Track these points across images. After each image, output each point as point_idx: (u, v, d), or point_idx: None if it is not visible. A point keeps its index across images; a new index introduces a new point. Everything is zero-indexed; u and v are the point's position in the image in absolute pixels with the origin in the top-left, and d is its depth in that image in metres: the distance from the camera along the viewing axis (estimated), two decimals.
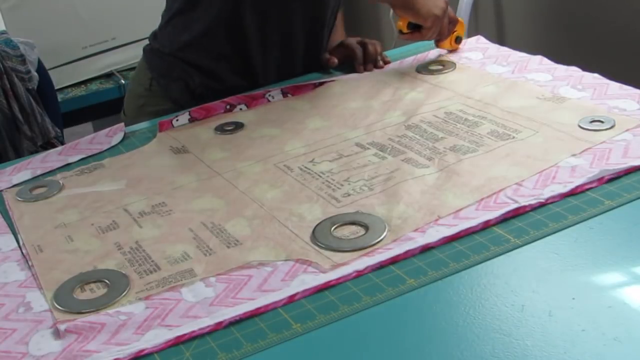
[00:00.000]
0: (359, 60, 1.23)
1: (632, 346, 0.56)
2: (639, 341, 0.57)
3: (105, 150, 1.02)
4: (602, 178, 0.79)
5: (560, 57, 1.15)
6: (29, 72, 1.70)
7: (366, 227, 0.75)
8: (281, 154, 0.94)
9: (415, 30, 1.19)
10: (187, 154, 0.98)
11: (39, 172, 0.97)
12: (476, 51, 1.24)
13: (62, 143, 1.70)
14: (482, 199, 0.78)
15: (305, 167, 0.90)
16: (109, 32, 2.07)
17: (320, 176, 0.87)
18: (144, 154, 1.00)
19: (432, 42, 1.24)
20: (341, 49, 1.28)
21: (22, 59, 1.69)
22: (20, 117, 1.66)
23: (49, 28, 1.97)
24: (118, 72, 2.09)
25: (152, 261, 0.73)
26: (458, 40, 1.24)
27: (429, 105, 1.04)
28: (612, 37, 1.65)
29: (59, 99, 1.90)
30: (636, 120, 0.91)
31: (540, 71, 1.11)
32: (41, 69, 1.76)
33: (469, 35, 1.32)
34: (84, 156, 1.01)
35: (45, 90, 1.76)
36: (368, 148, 0.93)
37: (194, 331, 0.63)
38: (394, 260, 0.70)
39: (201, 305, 0.66)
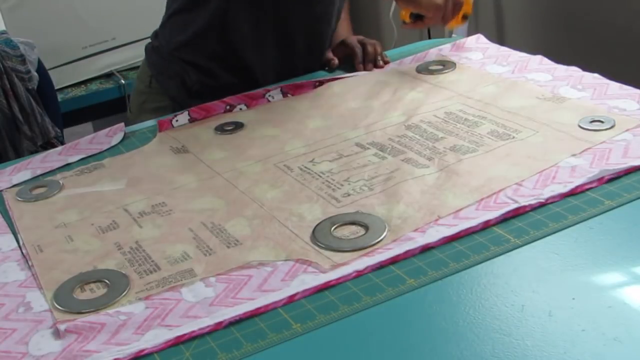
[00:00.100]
0: (359, 59, 1.23)
1: (632, 346, 0.56)
2: (639, 341, 0.57)
3: (105, 150, 1.02)
4: (602, 178, 0.79)
5: (560, 57, 1.15)
6: (29, 72, 1.70)
7: (366, 227, 0.75)
8: (281, 154, 0.94)
9: (418, 20, 1.19)
10: (187, 153, 0.98)
11: (39, 172, 0.97)
12: (476, 51, 1.23)
13: (62, 143, 1.70)
14: (482, 199, 0.78)
15: (305, 167, 0.90)
16: (109, 32, 2.07)
17: (320, 176, 0.87)
18: (144, 154, 1.00)
19: (432, 41, 1.24)
20: (342, 47, 1.28)
21: (22, 59, 1.69)
22: (20, 117, 1.66)
23: (49, 28, 1.97)
24: (118, 72, 2.09)
25: (152, 261, 0.73)
26: (465, 17, 1.23)
27: (429, 105, 1.04)
28: (612, 37, 1.65)
29: (59, 99, 1.90)
30: (636, 120, 0.91)
31: (540, 71, 1.11)
32: (41, 69, 1.76)
33: (469, 35, 1.32)
34: (84, 156, 1.01)
35: (45, 90, 1.76)
36: (368, 148, 0.93)
37: (194, 331, 0.63)
38: (394, 260, 0.70)
39: (201, 305, 0.66)
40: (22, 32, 1.81)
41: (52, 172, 0.97)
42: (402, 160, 0.88)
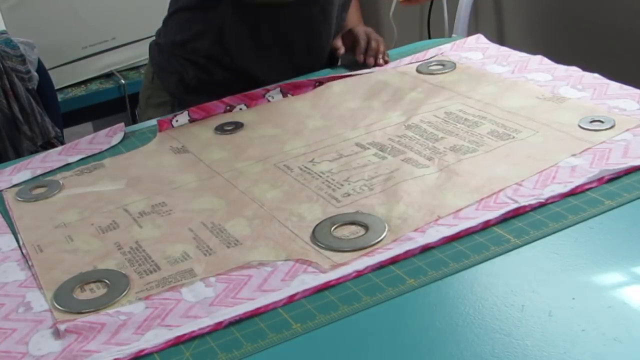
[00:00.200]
0: (361, 50, 1.25)
1: (632, 346, 0.56)
2: (639, 341, 0.57)
3: (105, 150, 1.02)
4: (602, 178, 0.79)
5: (560, 57, 1.15)
6: (29, 72, 1.70)
7: (366, 227, 0.75)
8: (281, 154, 0.94)
9: None
10: (187, 153, 0.98)
11: (39, 172, 0.97)
12: (476, 51, 1.23)
13: (62, 143, 1.70)
14: (482, 199, 0.78)
15: (305, 167, 0.90)
16: (109, 32, 2.06)
17: (320, 176, 0.87)
18: (144, 154, 1.00)
19: (432, 41, 1.25)
20: (349, 35, 1.30)
21: (22, 59, 1.69)
22: (20, 117, 1.66)
23: (49, 28, 1.97)
24: (118, 72, 2.09)
25: (152, 261, 0.73)
26: None
27: (429, 105, 1.04)
28: (612, 37, 1.65)
29: (59, 99, 1.90)
30: (636, 120, 0.91)
31: (540, 71, 1.11)
32: (41, 69, 1.76)
33: (469, 35, 1.32)
34: (84, 156, 1.01)
35: (45, 90, 1.76)
36: (368, 148, 0.93)
37: (194, 331, 0.63)
38: (394, 260, 0.70)
39: (201, 305, 0.66)
40: (22, 32, 1.81)
41: (52, 172, 0.97)
42: (402, 160, 0.88)
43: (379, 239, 0.72)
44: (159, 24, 1.32)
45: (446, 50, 1.25)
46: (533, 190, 0.78)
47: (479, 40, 1.28)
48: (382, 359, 0.58)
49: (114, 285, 0.70)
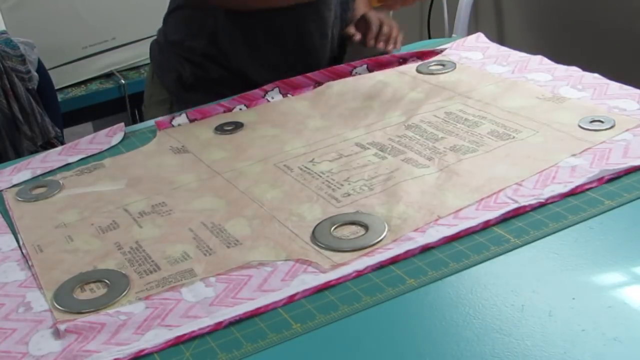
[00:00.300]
0: (372, 35, 1.26)
1: (632, 346, 0.56)
2: (639, 341, 0.57)
3: (105, 150, 1.02)
4: (602, 178, 0.79)
5: (560, 57, 1.15)
6: (29, 72, 1.70)
7: (366, 227, 0.75)
8: (281, 154, 0.94)
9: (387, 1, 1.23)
10: (186, 153, 0.98)
11: (39, 172, 0.97)
12: (476, 51, 1.23)
13: (62, 143, 1.70)
14: (482, 199, 0.78)
15: (305, 167, 0.90)
16: (109, 32, 2.07)
17: (320, 176, 0.87)
18: (144, 154, 1.00)
19: (432, 41, 1.25)
20: (362, 21, 1.31)
21: (22, 59, 1.69)
22: (20, 117, 1.66)
23: (49, 28, 1.97)
24: (118, 72, 2.09)
25: (152, 261, 0.73)
26: None
27: (429, 105, 1.04)
28: (612, 37, 1.65)
29: (59, 99, 1.90)
30: (636, 120, 0.91)
31: (540, 71, 1.11)
32: (41, 69, 1.76)
33: (469, 35, 1.32)
34: (84, 156, 1.01)
35: (45, 90, 1.76)
36: (368, 148, 0.93)
37: (194, 331, 0.63)
38: (394, 260, 0.70)
39: (201, 305, 0.66)
40: (22, 32, 1.81)
41: (52, 172, 0.97)
42: (402, 160, 0.88)
43: (379, 239, 0.72)
44: (159, 24, 1.33)
45: (446, 50, 1.25)
46: (533, 190, 0.78)
47: (479, 39, 1.28)
48: (381, 359, 0.58)
49: (114, 285, 0.70)
